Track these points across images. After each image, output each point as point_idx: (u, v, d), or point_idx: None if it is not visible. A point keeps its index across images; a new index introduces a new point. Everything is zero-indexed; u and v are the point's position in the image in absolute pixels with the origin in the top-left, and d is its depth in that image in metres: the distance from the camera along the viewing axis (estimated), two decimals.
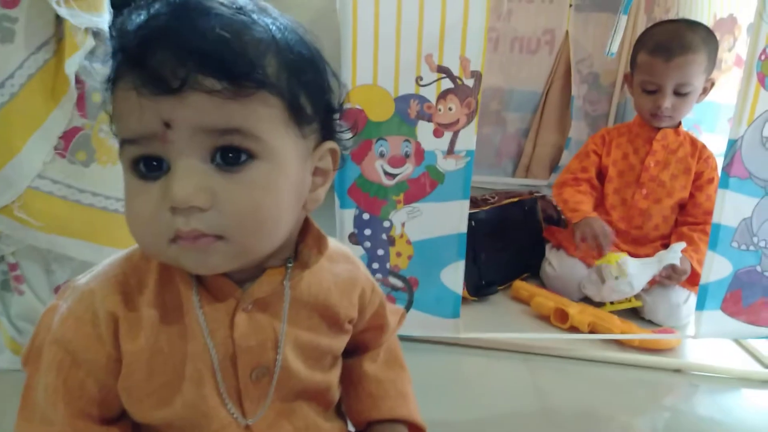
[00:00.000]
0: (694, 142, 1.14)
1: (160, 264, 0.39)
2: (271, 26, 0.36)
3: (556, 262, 1.17)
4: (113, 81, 0.34)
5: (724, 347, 1.03)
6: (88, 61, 0.70)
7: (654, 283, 1.09)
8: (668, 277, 1.07)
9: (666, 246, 1.12)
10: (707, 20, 1.34)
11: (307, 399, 0.46)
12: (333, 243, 0.44)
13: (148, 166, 0.34)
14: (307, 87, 0.37)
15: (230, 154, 0.34)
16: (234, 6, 0.35)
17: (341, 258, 0.46)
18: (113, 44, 0.35)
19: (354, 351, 0.51)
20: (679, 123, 1.16)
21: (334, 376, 0.47)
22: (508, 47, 1.70)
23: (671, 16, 1.44)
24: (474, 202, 1.32)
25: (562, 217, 1.41)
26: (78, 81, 0.71)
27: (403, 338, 0.88)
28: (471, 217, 1.12)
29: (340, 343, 0.47)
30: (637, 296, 1.09)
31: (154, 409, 0.39)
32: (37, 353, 0.39)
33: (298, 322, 0.42)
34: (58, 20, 0.69)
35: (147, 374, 0.39)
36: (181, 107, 0.32)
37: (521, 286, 1.15)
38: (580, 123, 1.70)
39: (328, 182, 0.41)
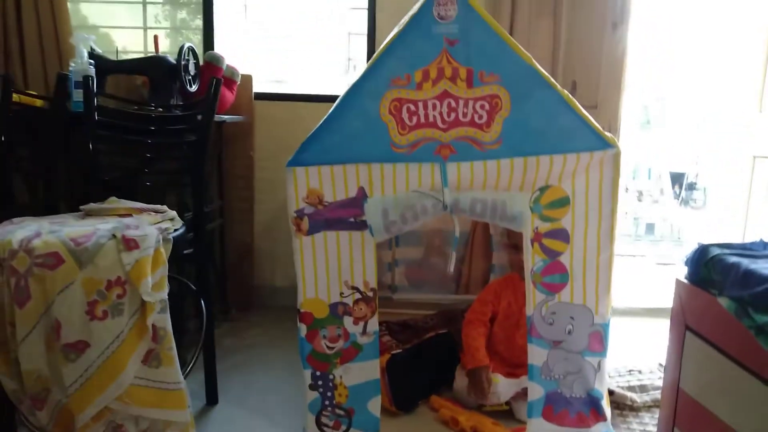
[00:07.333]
0: None
1: None
2: None
3: (459, 379, 1.67)
4: None
5: None
6: (158, 314, 1.31)
7: (520, 395, 1.60)
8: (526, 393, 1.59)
9: None
10: None
11: None
12: None
13: None
14: None
15: None
16: None
17: None
18: None
19: None
20: None
21: None
22: None
23: None
24: (415, 331, 1.87)
25: None
26: (153, 327, 1.31)
27: None
28: (394, 356, 1.67)
29: None
30: (507, 402, 1.60)
31: None
32: None
33: None
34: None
35: None
36: None
37: (435, 399, 1.65)
38: (499, 253, 2.22)
39: None
